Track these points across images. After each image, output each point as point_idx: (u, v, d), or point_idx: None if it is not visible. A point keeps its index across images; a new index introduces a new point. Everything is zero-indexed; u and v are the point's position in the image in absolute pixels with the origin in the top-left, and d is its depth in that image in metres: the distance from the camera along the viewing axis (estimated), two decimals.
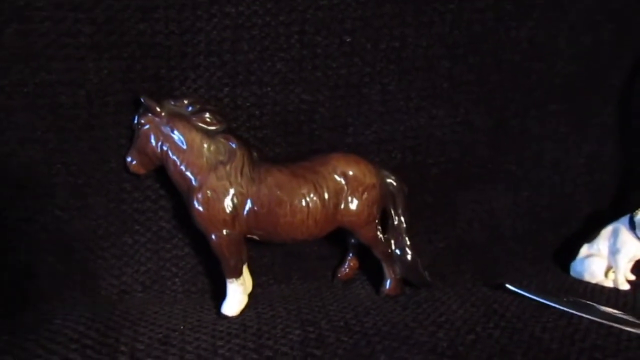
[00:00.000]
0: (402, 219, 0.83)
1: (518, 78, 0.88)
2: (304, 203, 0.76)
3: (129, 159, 0.80)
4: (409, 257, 0.83)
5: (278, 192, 0.75)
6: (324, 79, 0.83)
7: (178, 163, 0.76)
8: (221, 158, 0.75)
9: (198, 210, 0.75)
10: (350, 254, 0.90)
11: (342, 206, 0.78)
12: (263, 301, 0.82)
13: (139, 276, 0.85)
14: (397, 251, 0.83)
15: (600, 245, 0.89)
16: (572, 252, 0.92)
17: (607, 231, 0.89)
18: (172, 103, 0.77)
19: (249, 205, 0.75)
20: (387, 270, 0.84)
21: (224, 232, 0.75)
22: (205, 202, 0.74)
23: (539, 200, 0.93)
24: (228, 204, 0.75)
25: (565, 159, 0.93)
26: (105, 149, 0.81)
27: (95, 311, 0.76)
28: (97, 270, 0.84)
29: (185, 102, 0.77)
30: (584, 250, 0.91)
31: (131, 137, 0.80)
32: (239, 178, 0.75)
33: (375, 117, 0.86)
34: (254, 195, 0.75)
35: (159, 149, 0.77)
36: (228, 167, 0.75)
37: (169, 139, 0.76)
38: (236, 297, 0.78)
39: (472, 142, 0.89)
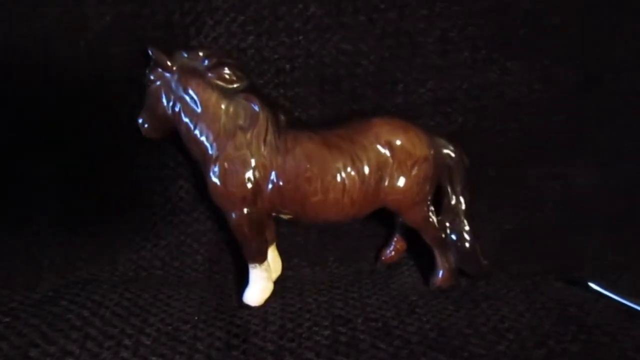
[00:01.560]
0: (461, 198, 0.69)
1: (614, 21, 0.68)
2: (338, 179, 0.63)
3: (140, 121, 0.69)
4: (467, 243, 0.69)
5: (307, 164, 0.62)
6: (368, 24, 0.67)
7: (191, 127, 0.64)
8: (241, 123, 0.63)
9: (214, 184, 0.63)
10: (397, 234, 0.76)
11: (386, 183, 0.64)
12: (292, 288, 0.71)
13: (158, 251, 0.76)
14: (453, 236, 0.69)
15: None
16: None
17: None
18: (185, 56, 0.64)
19: (272, 179, 0.63)
20: (439, 259, 0.70)
21: (244, 210, 0.64)
22: (222, 176, 0.63)
23: (632, 177, 0.75)
24: (248, 178, 0.63)
25: None
26: (113, 108, 0.71)
27: (104, 293, 0.68)
28: (113, 243, 0.76)
29: (201, 54, 0.64)
30: None
31: (142, 95, 0.70)
32: (262, 147, 0.63)
33: (432, 71, 0.70)
34: (278, 168, 0.63)
35: (170, 110, 0.65)
36: (249, 134, 0.63)
37: (181, 99, 0.64)
38: (259, 284, 0.67)
39: (552, 103, 0.71)
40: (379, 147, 0.63)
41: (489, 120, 0.73)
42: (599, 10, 0.67)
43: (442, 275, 0.71)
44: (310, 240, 0.77)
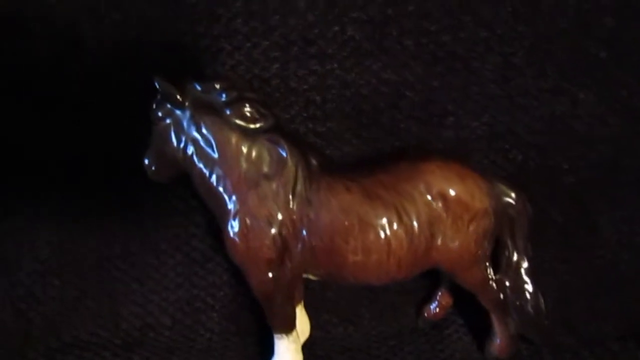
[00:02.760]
0: (523, 253, 0.58)
1: None
2: (382, 237, 0.52)
3: (146, 162, 0.59)
4: (530, 307, 0.58)
5: (345, 221, 0.52)
6: (415, 49, 0.56)
7: (206, 174, 0.54)
8: (265, 170, 0.53)
9: (233, 242, 0.53)
10: (442, 288, 0.66)
11: (439, 241, 0.53)
12: (321, 353, 0.61)
13: (168, 306, 0.66)
14: (514, 298, 0.58)
15: None
16: None
17: None
18: (199, 88, 0.54)
19: (303, 237, 0.53)
20: (497, 324, 0.59)
21: (269, 274, 0.54)
22: (243, 233, 0.53)
23: None
24: (275, 235, 0.52)
25: None
26: (115, 147, 0.61)
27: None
28: (116, 295, 0.67)
29: (217, 86, 0.54)
30: None
31: (149, 132, 0.60)
32: (290, 199, 0.52)
33: (489, 102, 0.59)
34: (310, 225, 0.52)
35: (180, 153, 0.55)
36: (274, 184, 0.53)
37: (194, 140, 0.54)
38: (286, 357, 0.57)
39: (630, 137, 0.60)
40: (429, 198, 0.53)
41: (555, 158, 0.62)
42: None
43: (501, 343, 0.60)
44: (342, 294, 0.67)
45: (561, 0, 0.54)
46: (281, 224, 0.52)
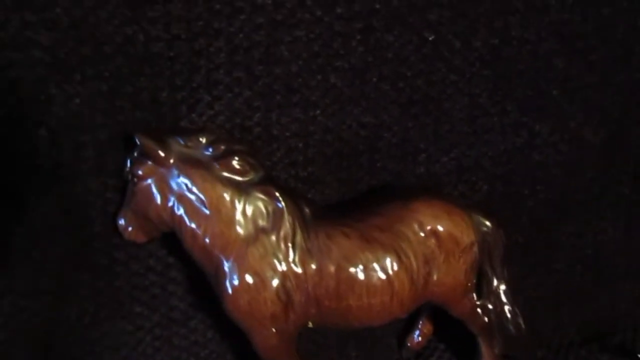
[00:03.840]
0: (502, 278, 0.62)
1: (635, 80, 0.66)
2: (385, 280, 0.53)
3: (121, 222, 0.55)
4: (512, 327, 0.62)
5: (349, 268, 0.52)
6: (393, 93, 0.59)
7: (199, 234, 0.51)
8: (263, 224, 0.51)
9: (235, 302, 0.51)
10: (423, 317, 0.68)
11: (435, 277, 0.55)
12: None
13: None
14: (498, 321, 0.62)
15: None
16: None
17: None
18: (183, 143, 0.52)
19: (307, 289, 0.52)
20: (484, 347, 0.63)
21: (273, 329, 0.52)
22: (244, 291, 0.51)
23: None
24: (278, 290, 0.51)
25: None
26: (83, 207, 0.56)
27: None
28: None
29: (202, 140, 0.52)
30: None
31: (122, 188, 0.56)
32: (291, 252, 0.52)
33: (458, 139, 0.63)
34: (314, 276, 0.52)
35: (167, 213, 0.52)
36: (273, 237, 0.52)
37: (183, 199, 0.51)
38: None
39: (579, 162, 0.67)
40: (423, 236, 0.55)
41: (516, 186, 0.67)
42: (636, 64, 0.64)
43: None
44: (329, 337, 0.66)
45: (519, 47, 0.59)
46: (284, 277, 0.51)
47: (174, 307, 0.62)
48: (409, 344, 0.69)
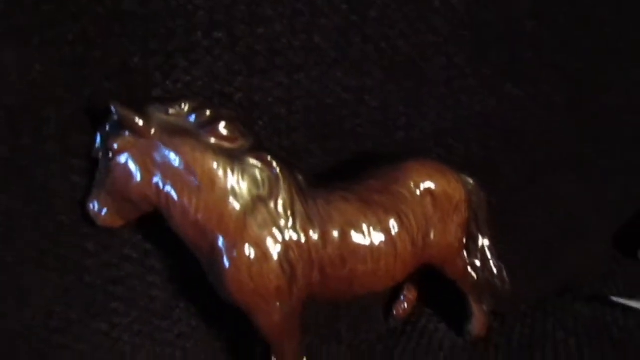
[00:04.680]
0: (487, 235, 0.62)
1: (606, 41, 0.69)
2: (389, 242, 0.51)
3: (93, 207, 0.49)
4: (498, 281, 0.63)
5: (353, 232, 0.50)
6: (375, 55, 0.57)
7: (191, 209, 0.47)
8: (259, 192, 0.48)
9: (236, 279, 0.47)
10: (407, 284, 0.68)
11: (432, 237, 0.55)
12: None
13: None
14: (486, 278, 0.63)
15: None
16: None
17: None
18: (163, 111, 0.47)
19: (311, 258, 0.49)
20: (474, 305, 0.63)
21: (277, 305, 0.49)
22: (246, 266, 0.47)
23: (613, 187, 0.77)
24: (282, 262, 0.48)
25: (638, 133, 0.77)
26: (47, 196, 0.50)
27: None
28: None
29: (185, 107, 0.47)
30: None
31: (91, 171, 0.50)
32: (291, 220, 0.49)
33: (435, 102, 0.63)
34: (317, 244, 0.49)
35: (153, 190, 0.47)
36: (272, 205, 0.48)
37: (168, 172, 0.47)
38: None
39: (548, 125, 0.69)
40: (419, 196, 0.54)
41: (493, 149, 0.68)
42: (595, 29, 0.67)
43: (479, 322, 0.64)
44: (319, 314, 0.64)
45: (494, 8, 0.60)
46: (286, 247, 0.48)
47: (154, 299, 0.56)
48: (395, 313, 0.68)
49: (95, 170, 0.49)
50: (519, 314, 0.67)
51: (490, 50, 0.62)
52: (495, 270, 0.63)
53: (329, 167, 0.61)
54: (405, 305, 0.68)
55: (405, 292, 0.68)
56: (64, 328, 0.53)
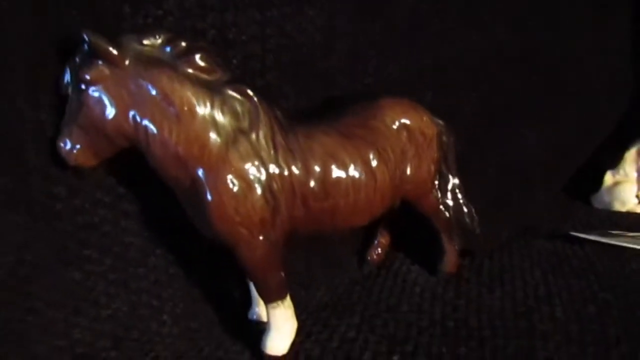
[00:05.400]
0: (456, 175, 0.65)
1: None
2: (370, 173, 0.52)
3: (65, 145, 0.47)
4: (467, 219, 0.65)
5: (334, 164, 0.51)
6: None
7: (171, 142, 0.46)
8: (240, 125, 0.47)
9: (220, 212, 0.46)
10: (381, 229, 0.69)
11: (408, 172, 0.56)
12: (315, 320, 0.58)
13: (103, 325, 0.54)
14: (456, 217, 0.65)
15: (627, 169, 0.82)
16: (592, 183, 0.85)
17: (631, 154, 0.83)
18: (138, 41, 0.45)
19: (293, 189, 0.49)
20: (447, 242, 0.65)
21: (261, 237, 0.49)
22: (228, 198, 0.46)
23: (563, 135, 0.82)
24: (265, 193, 0.48)
25: (586, 81, 0.82)
26: (14, 136, 0.47)
27: None
28: (27, 332, 0.51)
29: (159, 38, 0.46)
30: (609, 178, 0.84)
31: (60, 108, 0.47)
32: (272, 152, 0.48)
33: (401, 46, 0.65)
34: (299, 176, 0.49)
35: (129, 123, 0.45)
36: (253, 136, 0.48)
37: (146, 103, 0.45)
38: (286, 327, 0.52)
39: (504, 72, 0.73)
40: (395, 130, 0.55)
41: (455, 95, 0.70)
42: None
43: (450, 259, 0.66)
44: (296, 260, 0.64)
45: None
46: (270, 179, 0.48)
47: (129, 245, 0.54)
48: (369, 258, 0.69)
49: (65, 107, 0.47)
50: (486, 252, 0.70)
51: None
52: (465, 209, 0.65)
53: (301, 109, 0.61)
54: (379, 250, 0.70)
55: (379, 238, 0.69)
56: (34, 276, 0.50)
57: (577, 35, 0.77)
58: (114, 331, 0.54)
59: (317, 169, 0.50)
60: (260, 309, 0.58)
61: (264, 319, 0.57)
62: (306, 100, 0.61)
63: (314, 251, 0.66)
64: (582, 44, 0.77)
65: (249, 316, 0.58)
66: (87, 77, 0.44)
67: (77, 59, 0.45)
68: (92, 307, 0.54)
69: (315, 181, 0.50)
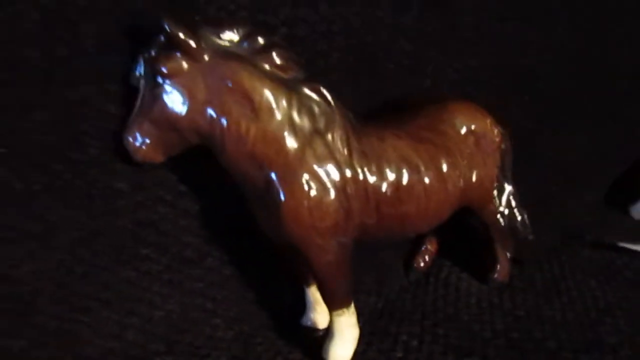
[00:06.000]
0: (511, 183, 0.63)
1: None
2: (441, 179, 0.51)
3: (133, 139, 0.45)
4: (520, 227, 0.63)
5: (407, 168, 0.49)
6: None
7: (248, 139, 0.44)
8: (317, 125, 0.46)
9: (295, 213, 0.45)
10: (429, 236, 0.68)
11: (474, 178, 0.55)
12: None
13: (156, 327, 0.52)
14: (512, 225, 0.63)
15: None
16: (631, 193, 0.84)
17: None
18: (216, 35, 0.44)
19: (367, 194, 0.48)
20: (500, 251, 0.64)
21: (333, 241, 0.47)
22: (304, 199, 0.45)
23: (608, 140, 0.80)
24: (340, 196, 0.46)
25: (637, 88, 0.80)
26: (78, 124, 0.45)
27: None
28: (78, 331, 0.49)
29: (237, 33, 0.44)
30: None
31: (129, 99, 0.45)
32: (347, 154, 0.47)
33: (462, 47, 0.63)
34: (373, 180, 0.48)
35: (206, 118, 0.44)
36: (329, 138, 0.46)
37: (224, 99, 0.43)
38: (350, 335, 0.51)
39: (559, 75, 0.71)
40: (464, 136, 0.54)
41: (507, 95, 0.69)
42: None
43: (503, 268, 0.65)
44: None
45: None
46: (344, 182, 0.46)
47: (187, 245, 0.53)
48: (416, 265, 0.68)
49: (135, 99, 0.45)
50: (535, 260, 0.68)
51: None
52: (518, 217, 0.64)
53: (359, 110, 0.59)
54: (427, 257, 0.68)
55: (426, 244, 0.68)
56: (91, 275, 0.48)
57: (632, 39, 0.76)
58: (167, 334, 0.53)
59: (391, 173, 0.48)
60: (315, 315, 0.56)
61: (319, 325, 0.56)
62: (367, 101, 0.59)
63: (362, 257, 0.64)
64: (636, 48, 0.76)
65: (303, 322, 0.57)
66: (164, 70, 0.42)
67: (153, 51, 0.44)
68: (146, 308, 0.52)
69: (389, 186, 0.48)
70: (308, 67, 0.53)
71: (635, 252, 0.69)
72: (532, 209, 0.73)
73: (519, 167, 0.73)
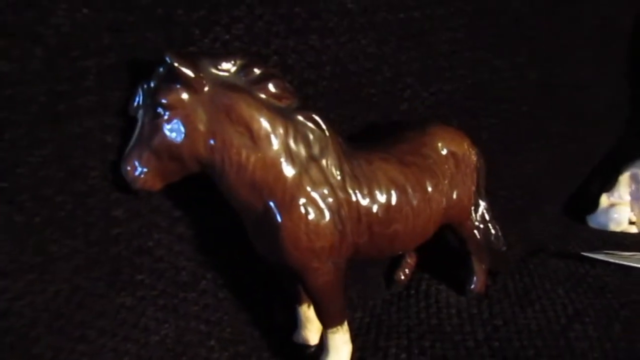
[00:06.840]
0: (485, 199, 0.67)
1: (566, 22, 0.78)
2: (427, 200, 0.54)
3: (132, 168, 0.46)
4: (494, 239, 0.68)
5: (396, 190, 0.52)
6: (394, 25, 0.60)
7: (248, 167, 0.45)
8: (312, 151, 0.48)
9: (293, 236, 0.47)
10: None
11: (455, 197, 0.58)
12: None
13: (151, 351, 0.52)
14: (487, 239, 0.67)
15: (622, 192, 0.88)
16: (588, 204, 0.90)
17: (625, 178, 0.89)
18: (214, 66, 0.45)
19: (359, 216, 0.50)
20: (476, 264, 0.68)
21: (329, 263, 0.49)
22: (302, 224, 0.47)
23: (564, 157, 0.87)
24: (335, 220, 0.48)
25: (588, 108, 0.87)
26: (79, 154, 0.45)
27: None
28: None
29: (235, 64, 0.46)
30: (604, 200, 0.89)
31: (127, 130, 0.46)
32: (340, 179, 0.49)
33: (438, 74, 0.67)
34: (365, 202, 0.50)
35: (207, 148, 0.45)
36: (324, 162, 0.48)
37: (224, 129, 0.45)
38: (343, 350, 0.53)
39: (521, 97, 0.77)
40: (445, 158, 0.57)
41: (477, 119, 0.74)
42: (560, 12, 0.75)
43: (480, 280, 0.68)
44: None
45: None
46: (338, 205, 0.49)
47: (181, 269, 0.54)
48: (396, 278, 0.71)
49: (133, 130, 0.46)
50: (508, 271, 0.73)
51: (485, 24, 0.67)
52: (492, 230, 0.68)
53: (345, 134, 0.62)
54: (407, 271, 0.71)
55: (406, 259, 0.71)
56: (87, 304, 0.49)
57: (583, 64, 0.83)
58: (162, 358, 0.53)
59: (381, 195, 0.51)
60: (306, 332, 0.58)
61: (310, 342, 0.58)
62: (350, 125, 0.62)
63: (347, 272, 0.66)
64: (587, 73, 0.83)
65: (295, 339, 0.58)
66: (165, 101, 0.44)
67: (153, 82, 0.45)
68: (141, 334, 0.52)
69: (380, 207, 0.51)
70: (297, 93, 0.56)
71: (594, 260, 0.74)
72: (502, 224, 0.79)
73: (486, 183, 0.78)
